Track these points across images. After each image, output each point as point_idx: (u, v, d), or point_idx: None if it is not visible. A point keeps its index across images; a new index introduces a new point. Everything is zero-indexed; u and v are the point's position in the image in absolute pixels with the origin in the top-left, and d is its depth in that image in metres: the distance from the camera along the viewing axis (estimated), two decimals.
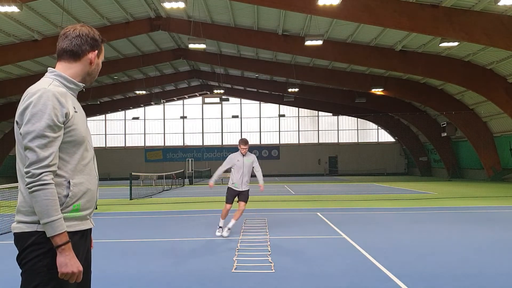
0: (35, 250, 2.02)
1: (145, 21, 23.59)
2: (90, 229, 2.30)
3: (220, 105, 46.33)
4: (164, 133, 47.50)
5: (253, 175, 8.80)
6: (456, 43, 19.66)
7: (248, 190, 8.73)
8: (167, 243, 8.09)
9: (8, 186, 9.45)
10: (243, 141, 8.61)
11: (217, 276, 5.55)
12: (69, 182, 2.09)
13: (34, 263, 2.01)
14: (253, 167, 8.72)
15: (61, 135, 2.06)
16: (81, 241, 2.18)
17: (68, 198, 2.08)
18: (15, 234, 2.09)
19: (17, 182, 2.17)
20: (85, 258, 2.24)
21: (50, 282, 2.00)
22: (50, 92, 2.05)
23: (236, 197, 8.72)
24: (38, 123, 2.00)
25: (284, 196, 19.12)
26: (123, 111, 46.46)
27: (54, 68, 2.26)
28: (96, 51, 2.27)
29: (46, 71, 2.25)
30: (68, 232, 2.07)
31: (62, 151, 2.09)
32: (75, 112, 2.16)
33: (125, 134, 47.29)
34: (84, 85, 2.28)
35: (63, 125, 2.07)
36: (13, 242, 2.16)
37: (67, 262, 1.99)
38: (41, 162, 1.99)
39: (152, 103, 40.73)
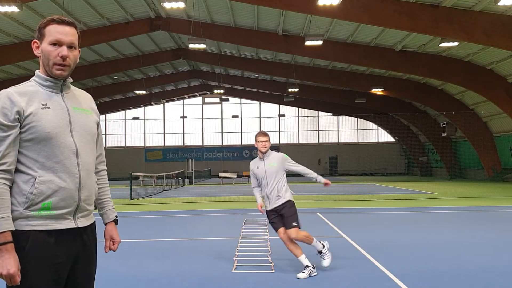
0: None
1: (145, 21, 23.59)
2: (85, 230, 2.22)
3: (220, 105, 46.31)
4: (164, 133, 47.50)
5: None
6: (456, 43, 19.66)
7: (288, 202, 5.75)
8: (167, 243, 8.09)
9: None
10: (261, 134, 5.76)
11: (217, 276, 5.55)
12: (35, 179, 2.05)
13: None
14: (287, 171, 5.87)
15: (13, 134, 2.04)
16: (63, 242, 2.10)
17: (33, 195, 2.03)
18: None
19: None
20: (78, 260, 2.18)
21: (26, 284, 2.00)
22: (5, 93, 2.08)
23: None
24: None
25: None
26: (123, 111, 46.46)
27: None
28: (35, 41, 2.20)
29: None
30: (40, 231, 2.04)
31: (27, 149, 2.07)
32: (44, 108, 2.11)
33: (125, 134, 47.29)
34: (59, 79, 2.19)
35: (16, 123, 2.04)
36: None
37: (0, 263, 1.96)
38: None
39: (152, 103, 40.73)
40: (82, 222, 2.21)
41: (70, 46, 2.16)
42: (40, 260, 2.04)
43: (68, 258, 2.13)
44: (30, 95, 2.11)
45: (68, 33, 2.15)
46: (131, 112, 46.85)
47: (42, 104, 2.11)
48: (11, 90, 2.10)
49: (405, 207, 13.68)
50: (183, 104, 47.27)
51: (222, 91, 36.17)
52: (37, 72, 2.23)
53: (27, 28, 20.75)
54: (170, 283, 5.33)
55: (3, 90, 2.10)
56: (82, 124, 2.23)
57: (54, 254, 2.07)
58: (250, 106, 46.74)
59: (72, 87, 2.30)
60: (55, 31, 2.14)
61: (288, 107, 45.49)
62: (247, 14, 21.66)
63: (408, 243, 7.60)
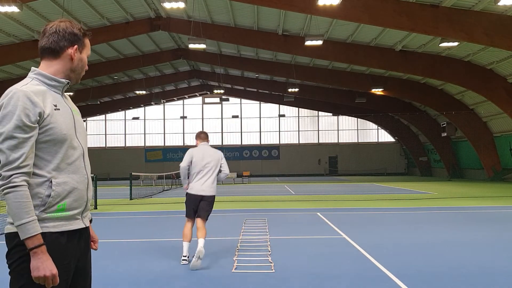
0: (20, 251, 1.99)
1: (145, 21, 23.59)
2: (86, 229, 2.25)
3: (220, 105, 46.29)
4: (164, 133, 47.49)
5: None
6: (456, 43, 19.65)
7: None
8: (167, 243, 8.08)
9: None
10: None
11: (217, 276, 5.55)
12: (51, 182, 2.04)
13: (18, 264, 1.99)
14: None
15: (34, 135, 2.01)
16: (72, 242, 2.13)
17: (50, 198, 2.03)
18: (5, 234, 2.09)
19: None
20: (80, 259, 2.20)
21: (35, 284, 1.98)
22: (22, 92, 2.01)
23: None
24: (7, 124, 1.97)
25: (284, 196, 19.12)
26: (123, 111, 46.42)
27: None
28: (76, 46, 2.21)
29: None
30: (54, 233, 2.04)
31: (43, 151, 2.05)
32: (56, 109, 2.10)
33: (125, 134, 47.27)
34: (67, 81, 2.21)
35: (37, 125, 2.02)
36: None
37: (39, 266, 1.94)
38: (11, 164, 1.95)
39: (152, 103, 40.70)
40: (87, 222, 2.26)
41: None
42: (54, 261, 2.03)
43: (74, 258, 2.16)
44: (43, 95, 2.08)
45: None
46: (131, 112, 46.83)
47: (54, 105, 2.11)
48: (26, 89, 2.04)
49: (405, 207, 13.68)
50: (183, 104, 47.26)
51: (222, 91, 36.16)
52: (38, 70, 2.20)
53: (27, 28, 20.74)
54: (170, 283, 5.33)
55: (15, 89, 2.03)
56: (81, 125, 2.28)
57: (65, 254, 2.09)
58: (250, 106, 46.73)
59: None
60: (89, 47, 2.33)
61: (288, 107, 45.48)
62: (247, 14, 21.66)
63: (408, 243, 7.60)
